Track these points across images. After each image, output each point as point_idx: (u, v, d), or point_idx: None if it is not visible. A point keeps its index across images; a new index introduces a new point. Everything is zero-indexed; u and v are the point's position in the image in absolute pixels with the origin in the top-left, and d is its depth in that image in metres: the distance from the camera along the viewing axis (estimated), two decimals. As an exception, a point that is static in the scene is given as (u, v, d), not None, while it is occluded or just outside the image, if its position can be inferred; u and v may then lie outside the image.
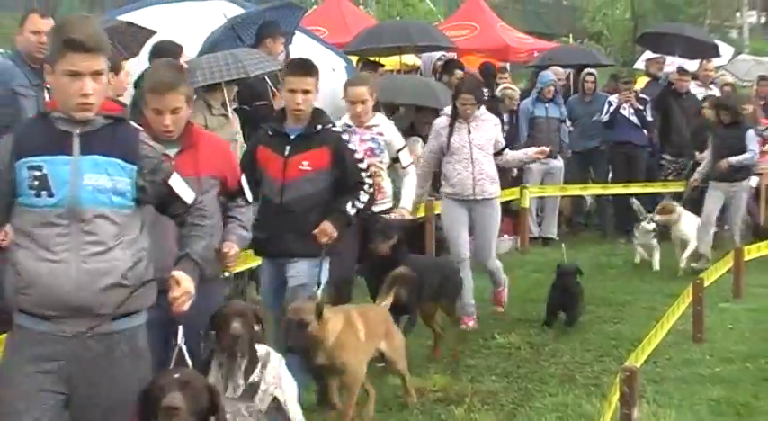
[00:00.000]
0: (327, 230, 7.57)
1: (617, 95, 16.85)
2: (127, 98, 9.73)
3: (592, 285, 12.78)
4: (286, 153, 7.70)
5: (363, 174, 7.81)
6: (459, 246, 10.94)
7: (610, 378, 8.00)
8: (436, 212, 13.45)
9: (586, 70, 17.91)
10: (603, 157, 17.04)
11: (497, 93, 16.29)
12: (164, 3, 14.10)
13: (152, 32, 10.68)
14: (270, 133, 7.87)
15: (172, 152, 5.81)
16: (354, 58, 15.90)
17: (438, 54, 17.78)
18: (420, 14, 36.07)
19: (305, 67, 7.86)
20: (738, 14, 58.64)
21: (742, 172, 14.22)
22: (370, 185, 7.87)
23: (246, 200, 6.55)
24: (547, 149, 11.82)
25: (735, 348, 9.95)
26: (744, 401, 8.28)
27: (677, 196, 15.53)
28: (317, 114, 7.80)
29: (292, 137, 7.70)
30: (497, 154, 10.94)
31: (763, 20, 65.10)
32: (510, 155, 11.28)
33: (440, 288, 9.66)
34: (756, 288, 12.56)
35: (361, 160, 7.90)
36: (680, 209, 14.32)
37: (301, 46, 12.87)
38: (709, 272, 10.96)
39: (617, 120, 16.34)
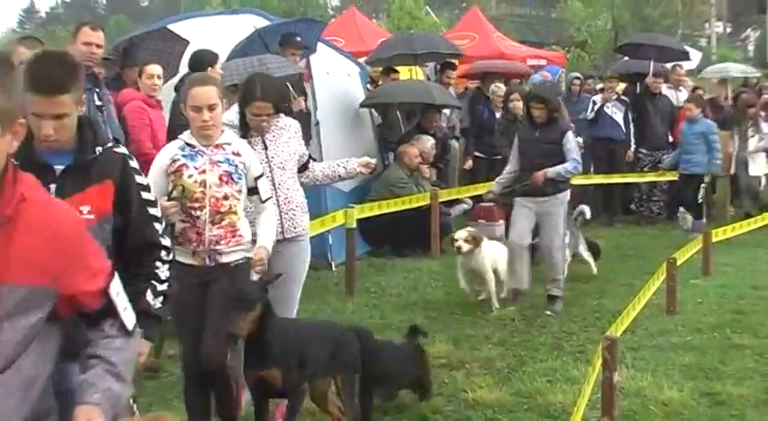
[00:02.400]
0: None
1: (600, 95, 17.00)
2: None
3: (577, 264, 12.78)
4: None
5: (157, 225, 4.45)
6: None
7: (593, 346, 7.97)
8: (441, 200, 13.49)
9: (573, 74, 18.22)
10: (587, 152, 17.01)
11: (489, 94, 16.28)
12: (201, 16, 14.18)
13: (186, 43, 10.71)
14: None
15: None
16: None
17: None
18: (426, 26, 36.11)
19: (53, 85, 3.90)
20: (707, 25, 58.60)
21: (560, 183, 10.31)
22: (168, 250, 4.49)
23: (123, 326, 3.41)
24: (373, 162, 7.55)
25: (704, 320, 9.91)
26: (711, 366, 8.26)
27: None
28: (88, 131, 4.21)
29: (59, 170, 4.17)
30: (302, 169, 7.19)
31: (729, 30, 65.12)
32: (320, 169, 7.36)
33: (333, 358, 6.44)
34: (723, 266, 12.52)
35: (153, 203, 4.43)
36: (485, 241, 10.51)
37: (321, 53, 12.90)
38: (681, 251, 10.92)
39: (600, 118, 16.45)
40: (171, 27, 11.41)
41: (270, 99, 6.74)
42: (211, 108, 5.97)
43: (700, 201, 15.46)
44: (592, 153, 16.91)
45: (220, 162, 6.10)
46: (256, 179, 6.31)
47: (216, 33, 11.74)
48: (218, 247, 6.11)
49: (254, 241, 6.33)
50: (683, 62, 19.12)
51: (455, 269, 10.72)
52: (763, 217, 14.44)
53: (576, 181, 15.51)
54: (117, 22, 67.14)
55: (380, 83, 15.87)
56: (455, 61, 17.02)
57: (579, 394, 6.37)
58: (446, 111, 15.97)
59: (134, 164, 4.36)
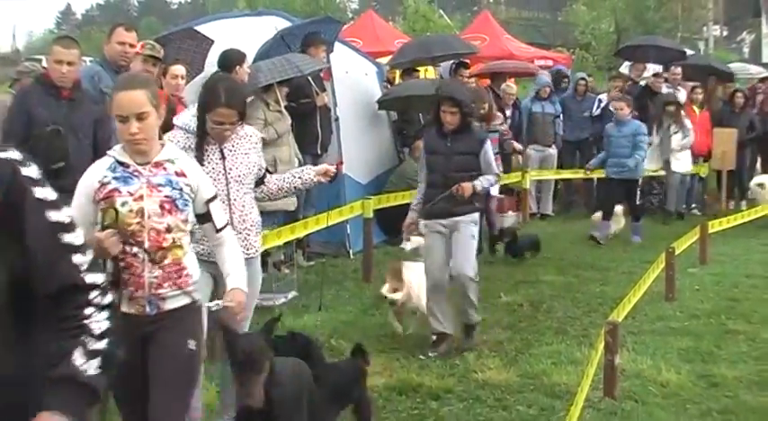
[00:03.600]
0: None
1: (605, 94, 17.18)
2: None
3: (581, 253, 12.80)
4: None
5: (77, 258, 2.99)
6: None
7: (596, 330, 7.97)
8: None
9: (579, 75, 18.35)
10: (591, 147, 16.99)
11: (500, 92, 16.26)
12: (226, 17, 14.16)
13: (211, 42, 10.73)
14: None
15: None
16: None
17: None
18: (439, 28, 36.04)
19: None
20: (705, 28, 58.41)
21: (475, 201, 8.41)
22: (101, 289, 3.06)
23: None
24: (332, 169, 6.39)
25: (700, 306, 9.90)
26: (707, 350, 8.25)
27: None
28: None
29: None
30: (257, 184, 6.00)
31: (725, 33, 64.93)
32: (274, 182, 6.13)
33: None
34: (719, 256, 12.51)
35: (68, 226, 2.96)
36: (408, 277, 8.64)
37: (340, 53, 12.91)
38: (680, 242, 10.90)
39: (606, 115, 16.50)
40: (198, 28, 11.43)
41: (235, 105, 5.61)
42: (140, 117, 4.46)
43: (638, 202, 14.48)
44: (597, 148, 16.94)
45: (161, 185, 4.58)
46: (208, 202, 4.74)
47: (241, 34, 11.73)
48: (160, 291, 4.58)
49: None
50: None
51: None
52: (756, 210, 14.44)
53: (582, 175, 15.51)
54: (148, 23, 67.18)
55: (397, 82, 15.86)
56: (468, 61, 16.98)
57: (583, 375, 6.36)
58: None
59: (32, 172, 2.94)
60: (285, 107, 10.42)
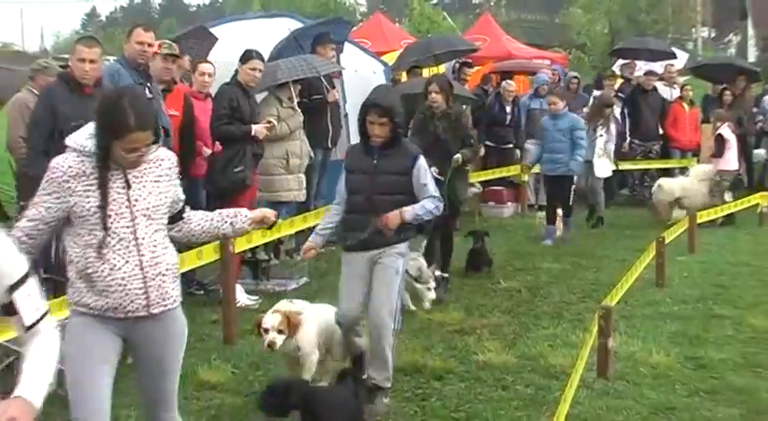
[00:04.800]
0: None
1: (600, 91, 17.00)
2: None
3: (576, 242, 12.77)
4: None
5: None
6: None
7: (590, 314, 7.96)
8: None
9: (571, 73, 18.45)
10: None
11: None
12: (242, 19, 14.17)
13: (215, 40, 10.78)
14: None
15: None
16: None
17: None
18: (443, 29, 36.01)
19: None
20: (694, 30, 58.38)
21: (406, 230, 6.55)
22: None
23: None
24: (272, 215, 4.83)
25: (689, 292, 9.88)
26: (695, 334, 8.23)
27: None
28: None
29: None
30: (174, 220, 4.58)
31: (713, 34, 64.89)
32: (198, 221, 4.74)
33: None
34: (706, 245, 12.47)
35: None
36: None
37: (351, 53, 12.92)
38: (669, 231, 10.88)
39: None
40: (214, 30, 11.43)
41: (149, 125, 4.21)
42: None
43: (570, 202, 12.85)
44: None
45: None
46: (11, 290, 3.22)
47: (255, 34, 11.74)
48: None
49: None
50: (672, 61, 19.18)
51: (467, 244, 10.76)
52: (742, 201, 14.40)
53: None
54: (168, 24, 67.19)
55: (403, 80, 15.84)
56: (471, 61, 16.95)
57: (577, 357, 6.35)
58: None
59: None
60: (297, 103, 10.42)
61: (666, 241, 10.23)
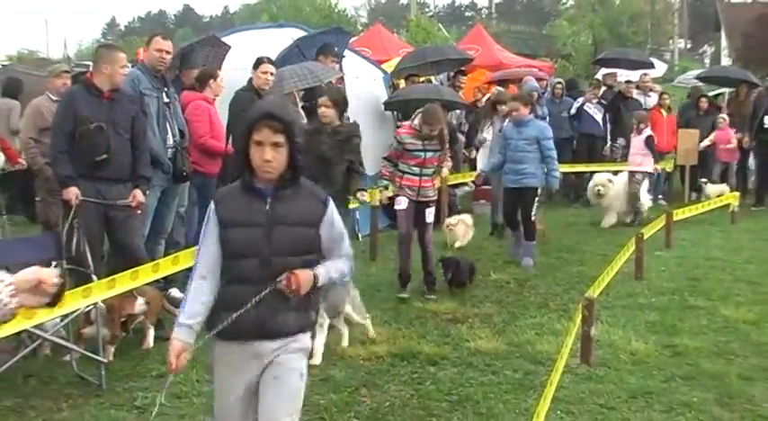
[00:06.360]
0: None
1: (582, 97, 17.27)
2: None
3: (561, 237, 12.77)
4: None
5: None
6: None
7: (574, 305, 7.95)
8: (449, 183, 13.44)
9: (555, 80, 18.59)
10: (569, 144, 16.92)
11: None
12: (251, 29, 14.14)
13: (228, 48, 10.75)
14: None
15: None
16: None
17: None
18: (438, 39, 36.00)
19: None
20: (671, 41, 58.43)
21: (310, 311, 4.08)
22: None
23: None
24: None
25: (665, 285, 9.86)
26: (671, 323, 8.21)
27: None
28: None
29: None
30: None
31: (689, 45, 64.97)
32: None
33: None
34: (682, 241, 12.47)
35: None
36: None
37: (351, 61, 12.91)
38: (648, 228, 10.89)
39: (583, 117, 16.62)
40: (226, 38, 11.39)
41: None
42: None
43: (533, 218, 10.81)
44: (577, 146, 16.97)
45: None
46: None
47: (263, 43, 11.71)
48: None
49: None
50: (649, 71, 19.26)
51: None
52: (715, 201, 14.41)
53: (563, 169, 14.77)
54: (183, 33, 67.02)
55: (402, 87, 15.84)
56: (465, 69, 16.96)
57: (562, 344, 6.34)
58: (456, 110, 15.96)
59: None
60: (302, 107, 10.40)
61: (645, 237, 10.24)
